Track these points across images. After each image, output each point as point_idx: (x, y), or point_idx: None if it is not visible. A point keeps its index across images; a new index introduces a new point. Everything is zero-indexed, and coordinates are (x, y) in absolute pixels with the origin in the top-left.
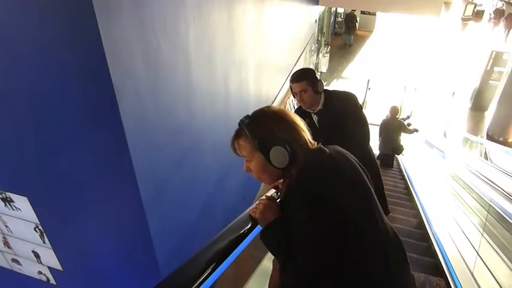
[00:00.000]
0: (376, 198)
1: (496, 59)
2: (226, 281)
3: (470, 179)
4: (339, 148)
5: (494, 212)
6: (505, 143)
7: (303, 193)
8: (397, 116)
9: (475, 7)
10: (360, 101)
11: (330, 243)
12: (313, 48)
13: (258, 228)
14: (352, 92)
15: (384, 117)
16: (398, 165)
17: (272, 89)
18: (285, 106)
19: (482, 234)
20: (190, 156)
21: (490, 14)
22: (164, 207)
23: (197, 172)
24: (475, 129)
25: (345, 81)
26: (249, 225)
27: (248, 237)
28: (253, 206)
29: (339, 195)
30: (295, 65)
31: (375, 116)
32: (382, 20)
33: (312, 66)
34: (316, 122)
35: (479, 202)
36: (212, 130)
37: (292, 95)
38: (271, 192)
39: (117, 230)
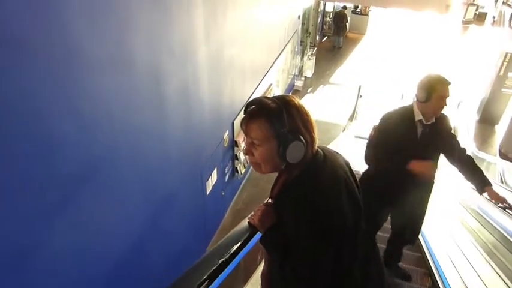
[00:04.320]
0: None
1: (511, 62)
2: None
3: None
4: (331, 150)
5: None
6: None
7: (296, 199)
8: None
9: (477, 9)
10: (350, 110)
11: (323, 250)
12: (296, 50)
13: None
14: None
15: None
16: None
17: (239, 94)
18: None
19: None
20: (87, 189)
21: (494, 17)
22: (39, 274)
23: (107, 212)
24: (484, 145)
25: (334, 87)
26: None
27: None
28: (251, 213)
29: (333, 203)
30: (271, 66)
31: (366, 127)
32: (376, 21)
33: (295, 70)
34: (418, 134)
35: (490, 232)
36: (136, 149)
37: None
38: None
39: None
